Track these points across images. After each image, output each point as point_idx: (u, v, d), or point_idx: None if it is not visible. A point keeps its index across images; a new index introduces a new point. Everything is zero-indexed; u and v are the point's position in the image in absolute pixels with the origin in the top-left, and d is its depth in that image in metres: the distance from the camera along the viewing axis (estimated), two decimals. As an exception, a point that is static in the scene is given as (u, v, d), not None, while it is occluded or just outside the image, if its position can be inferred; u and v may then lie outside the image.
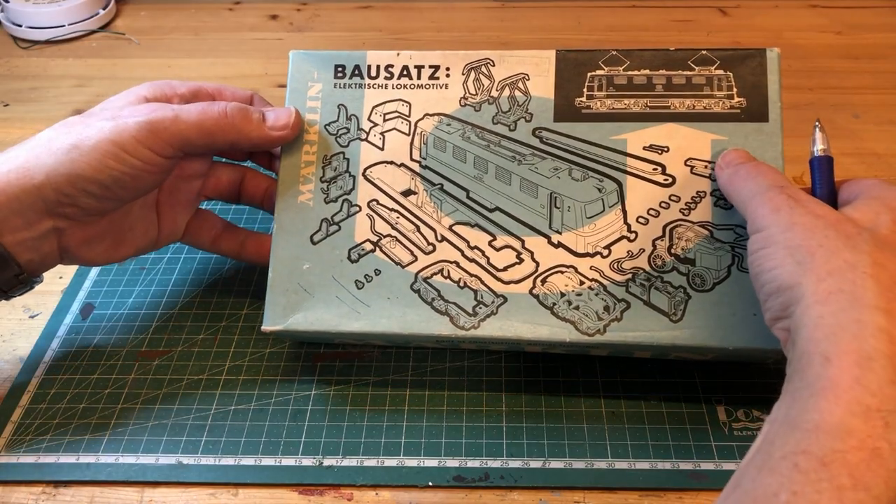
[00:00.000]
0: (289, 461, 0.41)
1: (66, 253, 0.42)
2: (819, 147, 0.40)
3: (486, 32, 0.77)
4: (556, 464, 0.40)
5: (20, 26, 0.79)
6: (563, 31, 0.76)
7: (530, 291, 0.41)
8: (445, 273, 0.42)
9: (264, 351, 0.46)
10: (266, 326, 0.42)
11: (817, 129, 0.40)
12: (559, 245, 0.41)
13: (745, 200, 0.36)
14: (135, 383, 0.45)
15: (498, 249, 0.42)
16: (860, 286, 0.29)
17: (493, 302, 0.41)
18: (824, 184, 0.39)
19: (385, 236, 0.43)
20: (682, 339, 0.39)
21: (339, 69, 0.45)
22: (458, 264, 0.42)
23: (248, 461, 0.41)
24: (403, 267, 0.42)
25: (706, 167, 0.41)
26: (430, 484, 0.40)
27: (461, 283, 0.42)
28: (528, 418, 0.42)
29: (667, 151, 0.42)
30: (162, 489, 0.40)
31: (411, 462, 0.40)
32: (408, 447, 0.41)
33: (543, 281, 0.41)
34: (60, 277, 0.52)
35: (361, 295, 0.42)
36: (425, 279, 0.42)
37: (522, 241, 0.42)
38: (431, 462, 0.40)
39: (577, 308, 0.40)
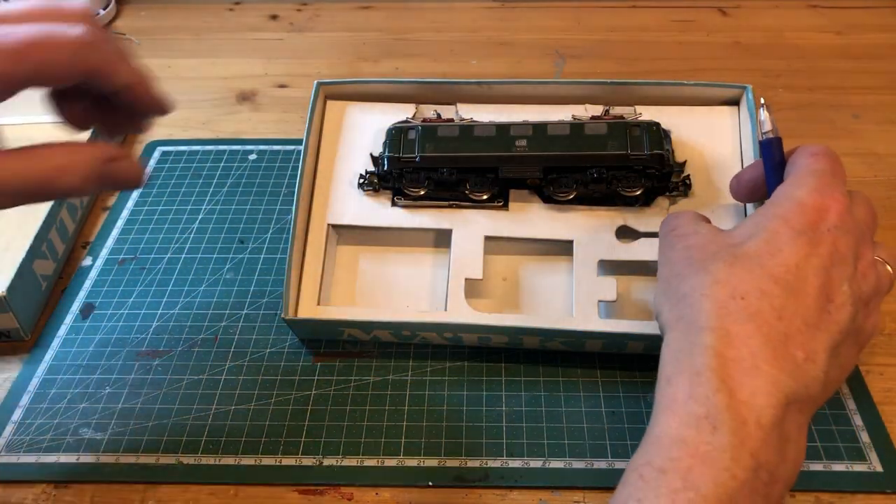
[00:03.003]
0: (289, 461, 0.41)
1: None
2: (766, 129, 0.37)
3: (487, 32, 0.76)
4: (556, 464, 0.40)
5: (20, 26, 0.79)
6: (563, 31, 0.76)
7: None
8: None
9: (264, 351, 0.46)
10: None
11: (763, 110, 0.38)
12: None
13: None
14: (135, 383, 0.45)
15: None
16: (696, 309, 0.32)
17: None
18: (776, 167, 0.37)
19: None
20: None
21: None
22: None
23: (248, 461, 0.41)
24: None
25: None
26: (430, 484, 0.40)
27: None
28: (528, 418, 0.42)
29: None
30: (162, 489, 0.40)
31: (411, 462, 0.40)
32: (408, 447, 0.41)
33: None
34: (60, 277, 0.52)
35: None
36: None
37: None
38: (431, 462, 0.40)
39: None
